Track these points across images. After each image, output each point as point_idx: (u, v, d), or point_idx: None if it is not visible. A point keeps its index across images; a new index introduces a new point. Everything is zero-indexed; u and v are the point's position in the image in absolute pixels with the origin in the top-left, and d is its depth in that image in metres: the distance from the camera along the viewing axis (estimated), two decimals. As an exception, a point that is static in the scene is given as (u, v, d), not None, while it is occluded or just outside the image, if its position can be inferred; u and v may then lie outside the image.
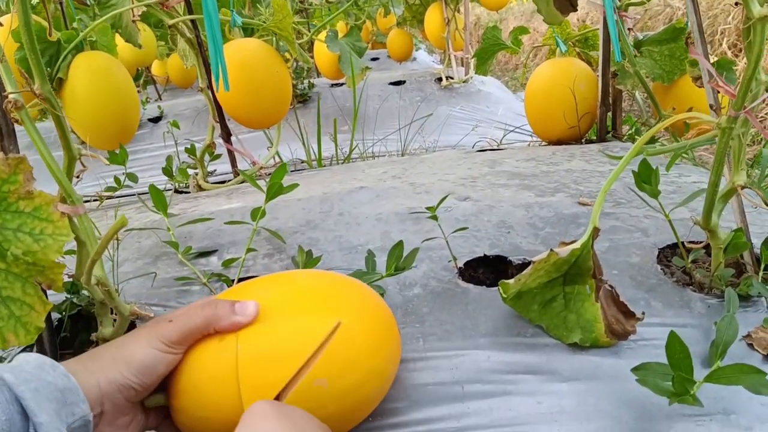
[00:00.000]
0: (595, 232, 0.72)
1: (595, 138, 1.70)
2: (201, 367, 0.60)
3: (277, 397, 0.56)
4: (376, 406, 0.67)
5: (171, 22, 1.44)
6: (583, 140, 1.72)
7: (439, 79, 2.85)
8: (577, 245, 0.72)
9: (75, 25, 1.56)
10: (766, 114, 2.46)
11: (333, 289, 0.68)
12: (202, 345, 0.61)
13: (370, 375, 0.63)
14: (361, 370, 0.62)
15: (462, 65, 2.94)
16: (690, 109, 1.41)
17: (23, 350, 0.81)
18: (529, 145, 1.94)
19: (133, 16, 1.78)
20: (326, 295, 0.66)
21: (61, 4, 1.86)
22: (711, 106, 0.77)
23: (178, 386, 0.60)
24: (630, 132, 1.76)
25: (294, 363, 0.57)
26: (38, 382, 0.49)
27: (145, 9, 1.57)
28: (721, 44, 3.19)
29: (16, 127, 0.73)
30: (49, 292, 0.64)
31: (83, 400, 0.52)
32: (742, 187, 0.76)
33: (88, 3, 1.82)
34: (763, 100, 0.74)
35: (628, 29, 1.43)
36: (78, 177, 0.79)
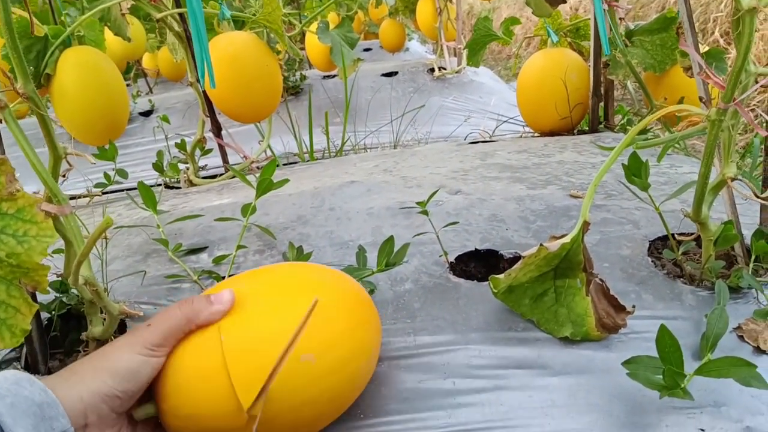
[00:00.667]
0: (585, 225, 0.72)
1: (587, 128, 1.70)
2: (187, 365, 0.59)
3: (267, 380, 0.56)
4: (364, 385, 0.67)
5: (159, 15, 1.43)
6: (575, 131, 1.72)
7: (432, 70, 2.84)
8: (567, 239, 0.72)
9: (63, 18, 1.55)
10: (758, 102, 2.47)
11: (308, 274, 0.70)
12: (185, 343, 0.60)
13: (355, 350, 0.64)
14: (346, 345, 0.62)
15: (455, 55, 2.92)
16: (682, 99, 1.41)
17: (11, 351, 0.81)
18: (521, 136, 1.94)
19: (122, 9, 1.77)
20: (302, 279, 0.68)
21: (48, -2, 1.84)
22: (701, 98, 0.77)
23: (166, 388, 0.59)
24: (622, 122, 1.75)
25: (279, 343, 0.58)
26: (14, 398, 0.49)
27: (133, 2, 1.55)
28: (713, 32, 3.19)
29: (0, 125, 0.72)
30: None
31: (63, 414, 0.51)
32: (732, 179, 0.76)
33: (76, -4, 1.81)
34: (754, 91, 0.74)
35: (620, 19, 1.43)
36: (64, 176, 0.78)
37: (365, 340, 0.66)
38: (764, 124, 0.76)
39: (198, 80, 1.58)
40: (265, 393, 0.56)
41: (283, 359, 0.57)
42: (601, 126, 1.67)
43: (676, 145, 1.30)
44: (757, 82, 0.73)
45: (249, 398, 0.56)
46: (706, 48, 1.41)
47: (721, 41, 3.17)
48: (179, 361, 0.60)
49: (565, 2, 0.81)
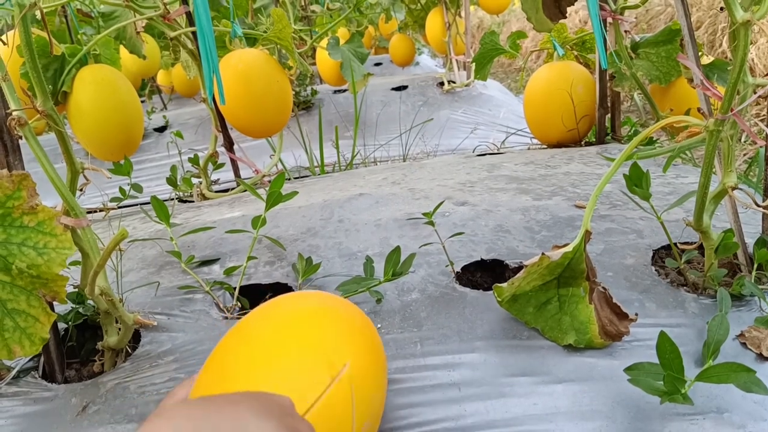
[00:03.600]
0: (587, 235, 0.73)
1: (594, 140, 1.71)
2: None
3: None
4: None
5: (173, 34, 1.46)
6: (582, 143, 1.73)
7: (441, 84, 2.87)
8: (569, 249, 0.73)
9: (79, 37, 1.59)
10: (765, 114, 2.46)
11: (334, 330, 0.64)
12: None
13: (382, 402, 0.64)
14: (379, 404, 0.63)
15: (464, 69, 2.95)
16: (688, 110, 1.42)
17: (29, 361, 0.83)
18: (528, 148, 1.95)
19: (137, 28, 1.81)
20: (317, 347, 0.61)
21: (66, 17, 1.89)
22: (699, 110, 0.78)
23: None
24: (629, 133, 1.76)
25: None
26: None
27: (148, 21, 1.59)
28: (721, 44, 3.19)
29: (21, 141, 0.75)
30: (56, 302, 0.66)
31: None
32: (733, 188, 0.77)
33: (93, 15, 1.86)
34: (758, 101, 0.75)
35: (625, 31, 1.44)
36: (81, 190, 0.81)
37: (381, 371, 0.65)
38: (761, 133, 0.77)
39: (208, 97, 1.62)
40: None
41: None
42: (608, 137, 1.68)
43: (683, 156, 1.31)
44: (755, 93, 0.74)
45: None
46: (712, 59, 1.43)
47: (729, 52, 3.17)
48: None
49: (565, 17, 0.82)
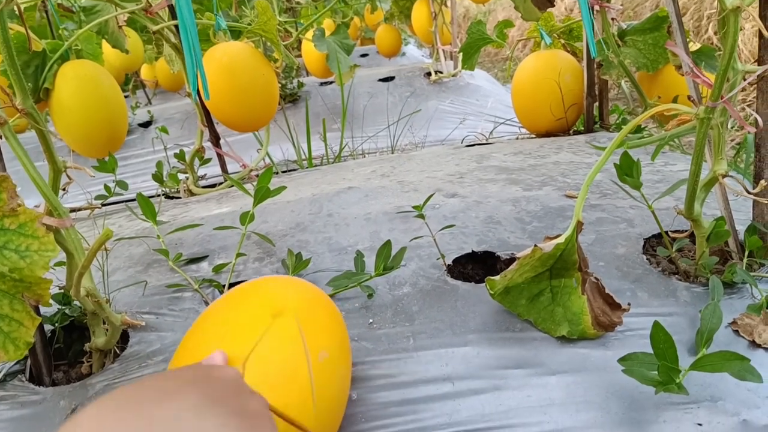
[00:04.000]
0: (579, 225, 0.73)
1: (582, 129, 1.71)
2: None
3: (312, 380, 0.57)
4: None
5: (155, 28, 1.44)
6: (570, 131, 1.73)
7: (429, 74, 2.85)
8: (561, 239, 0.73)
9: (61, 33, 1.56)
10: (753, 99, 2.47)
11: (276, 288, 0.69)
12: None
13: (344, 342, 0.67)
14: (337, 340, 0.65)
15: (451, 59, 2.94)
16: (676, 98, 1.42)
17: (15, 364, 0.82)
18: (517, 138, 1.95)
19: (119, 22, 1.78)
20: (266, 292, 0.68)
21: (46, 11, 1.86)
22: (689, 97, 0.78)
23: None
24: (617, 122, 1.76)
25: (300, 358, 0.58)
26: None
27: (130, 15, 1.56)
28: (707, 30, 3.19)
29: (0, 141, 0.73)
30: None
31: None
32: (724, 176, 0.77)
33: (74, 10, 1.82)
34: (744, 87, 0.74)
35: (612, 19, 1.44)
36: (64, 190, 0.79)
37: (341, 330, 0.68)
38: (754, 122, 0.77)
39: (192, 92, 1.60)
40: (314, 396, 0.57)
41: (310, 368, 0.58)
42: (597, 126, 1.68)
43: (671, 143, 1.31)
44: (744, 80, 0.74)
45: (311, 421, 0.56)
46: (699, 46, 1.42)
47: (715, 39, 3.18)
48: None
49: (553, 5, 0.82)
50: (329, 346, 0.62)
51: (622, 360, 0.65)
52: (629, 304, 0.74)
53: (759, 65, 0.76)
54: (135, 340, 0.85)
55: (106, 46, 1.76)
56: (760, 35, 0.74)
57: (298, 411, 0.56)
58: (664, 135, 0.79)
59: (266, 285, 0.69)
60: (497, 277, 0.76)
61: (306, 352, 0.59)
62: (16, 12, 1.45)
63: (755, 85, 0.79)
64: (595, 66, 1.60)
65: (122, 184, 1.34)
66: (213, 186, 1.73)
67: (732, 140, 1.86)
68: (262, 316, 0.61)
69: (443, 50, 2.86)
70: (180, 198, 1.64)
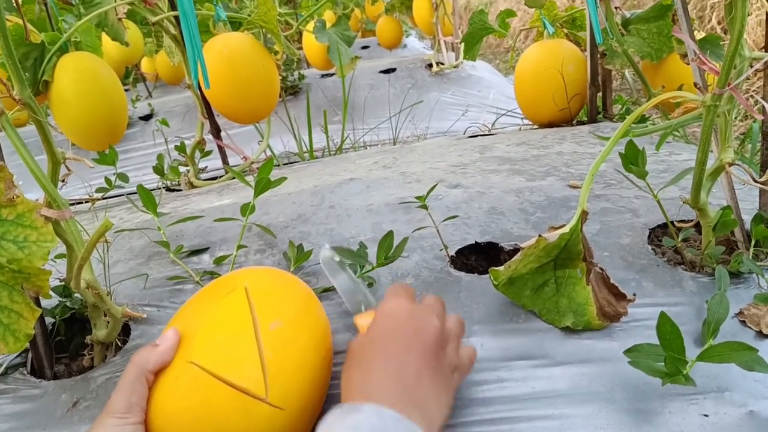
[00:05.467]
0: (584, 215, 0.72)
1: (586, 119, 1.69)
2: (168, 408, 0.59)
3: (261, 355, 0.59)
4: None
5: (154, 19, 1.43)
6: (574, 122, 1.71)
7: (430, 65, 2.84)
8: (565, 229, 0.72)
9: (60, 25, 1.55)
10: (758, 88, 2.46)
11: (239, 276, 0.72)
12: (156, 391, 0.59)
13: (307, 316, 0.68)
14: (294, 311, 0.67)
15: (452, 50, 2.92)
16: (681, 87, 1.40)
17: (17, 357, 0.82)
18: (520, 129, 1.94)
19: (119, 14, 1.77)
20: (230, 278, 0.71)
21: (45, 4, 1.85)
22: (695, 84, 0.77)
23: None
24: (621, 112, 1.75)
25: (248, 327, 0.61)
26: None
27: (129, 6, 1.55)
28: (710, 19, 3.17)
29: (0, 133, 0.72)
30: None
31: None
32: (730, 165, 0.76)
33: (73, 2, 1.81)
34: (748, 76, 0.73)
35: (615, 8, 1.42)
36: (63, 181, 0.79)
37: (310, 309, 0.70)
38: (761, 109, 0.76)
39: (193, 83, 1.59)
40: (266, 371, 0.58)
41: (258, 336, 0.60)
42: (600, 116, 1.66)
43: (675, 133, 1.30)
44: (752, 67, 0.73)
45: (261, 388, 0.57)
46: (703, 35, 1.41)
47: (718, 28, 3.16)
48: (159, 408, 0.59)
49: (558, -8, 0.81)
50: (284, 317, 0.64)
51: (628, 351, 0.64)
52: (635, 295, 0.73)
53: (766, 52, 0.75)
54: (137, 333, 0.84)
55: (105, 38, 1.75)
56: (768, 21, 0.73)
57: (247, 379, 0.58)
58: (669, 123, 0.78)
59: (237, 272, 0.74)
60: (501, 268, 0.76)
61: (255, 320, 0.61)
62: (14, 5, 1.44)
63: (759, 74, 0.78)
64: (598, 55, 1.59)
65: (123, 177, 1.33)
66: (214, 178, 1.73)
67: (735, 130, 1.85)
68: (216, 296, 0.66)
69: (445, 41, 2.84)
70: (181, 190, 1.64)
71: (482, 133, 1.92)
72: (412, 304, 0.67)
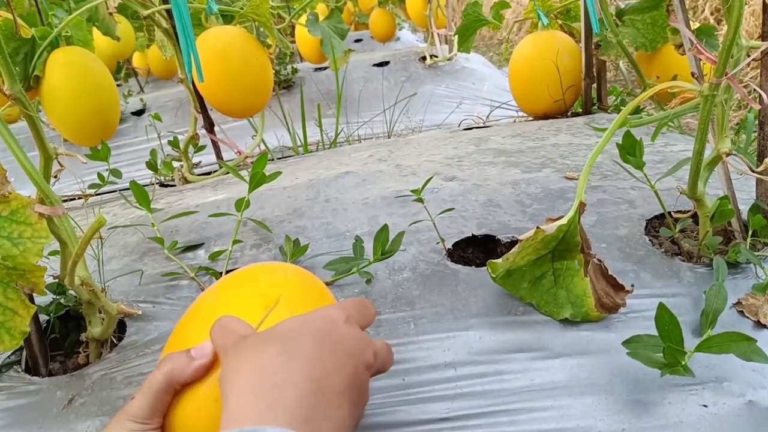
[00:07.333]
0: (582, 206, 0.72)
1: (580, 110, 1.69)
2: (189, 424, 0.55)
3: None
4: None
5: (146, 12, 1.41)
6: (569, 113, 1.71)
7: (424, 58, 2.83)
8: (563, 221, 0.72)
9: (50, 20, 1.53)
10: (752, 78, 2.46)
11: (269, 277, 0.67)
12: (178, 405, 0.56)
13: None
14: None
15: (446, 43, 2.91)
16: (675, 77, 1.40)
17: (11, 354, 0.81)
18: (515, 121, 1.93)
19: (110, 8, 1.76)
20: (263, 285, 0.65)
21: (35, 0, 1.83)
22: (693, 74, 0.77)
23: None
24: (616, 103, 1.75)
25: None
26: None
27: (120, 0, 1.54)
28: (703, 10, 3.17)
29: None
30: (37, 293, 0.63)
31: None
32: (727, 155, 0.76)
33: (63, -3, 1.79)
34: (745, 65, 0.73)
35: (610, -1, 1.42)
36: (56, 177, 0.78)
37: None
38: (757, 99, 0.76)
39: (187, 77, 1.57)
40: None
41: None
42: (595, 107, 1.66)
43: (671, 123, 1.30)
44: (748, 56, 0.73)
45: None
46: (697, 25, 1.41)
47: (711, 19, 3.16)
48: (179, 421, 0.56)
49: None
50: None
51: (626, 343, 0.64)
52: (633, 286, 0.73)
53: (763, 41, 0.75)
54: (132, 330, 0.84)
55: (96, 33, 1.73)
56: (764, 8, 0.73)
57: None
58: (666, 114, 0.78)
59: (259, 273, 0.68)
60: (499, 260, 0.75)
61: None
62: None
63: (754, 64, 0.78)
64: (593, 47, 1.58)
65: (116, 173, 1.32)
66: (208, 173, 1.71)
67: (729, 121, 1.85)
68: (254, 306, 0.60)
69: (438, 34, 2.83)
70: (175, 186, 1.63)
71: (477, 125, 1.92)
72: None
